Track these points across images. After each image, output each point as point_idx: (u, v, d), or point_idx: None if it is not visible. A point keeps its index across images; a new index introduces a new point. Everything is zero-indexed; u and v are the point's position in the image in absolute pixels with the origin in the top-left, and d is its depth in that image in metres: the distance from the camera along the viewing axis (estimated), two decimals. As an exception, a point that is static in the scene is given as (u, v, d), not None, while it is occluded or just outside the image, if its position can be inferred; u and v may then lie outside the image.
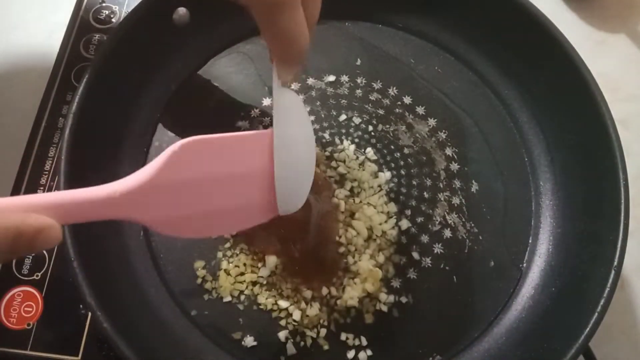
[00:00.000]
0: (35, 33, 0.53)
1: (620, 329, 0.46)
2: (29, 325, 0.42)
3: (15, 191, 0.46)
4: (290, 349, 0.40)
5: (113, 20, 0.53)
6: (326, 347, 0.41)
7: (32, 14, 0.54)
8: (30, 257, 0.44)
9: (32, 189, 0.46)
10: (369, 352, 0.41)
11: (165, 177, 0.30)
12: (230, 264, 0.42)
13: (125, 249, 0.41)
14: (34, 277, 0.43)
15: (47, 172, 0.47)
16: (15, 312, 0.42)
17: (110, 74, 0.41)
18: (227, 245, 0.43)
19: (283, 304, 0.41)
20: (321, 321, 0.41)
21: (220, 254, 0.42)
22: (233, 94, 0.48)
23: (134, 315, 0.39)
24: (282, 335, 0.41)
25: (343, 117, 0.48)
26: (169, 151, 0.31)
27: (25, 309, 0.42)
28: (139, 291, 0.40)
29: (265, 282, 0.42)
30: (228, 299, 0.41)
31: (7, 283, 0.43)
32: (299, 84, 0.48)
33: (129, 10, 0.43)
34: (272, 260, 0.42)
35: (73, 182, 0.37)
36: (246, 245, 0.42)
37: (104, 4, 0.53)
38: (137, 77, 0.45)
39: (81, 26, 0.52)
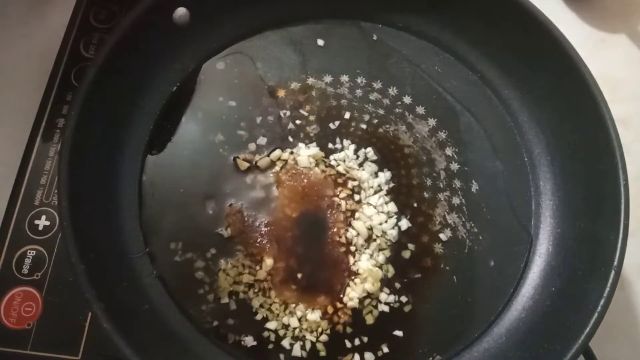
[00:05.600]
0: (35, 33, 0.53)
1: (620, 329, 0.46)
2: (29, 325, 0.42)
3: (15, 191, 0.46)
4: (291, 349, 0.40)
5: (113, 20, 0.53)
6: (326, 348, 0.41)
7: (32, 14, 0.54)
8: (30, 257, 0.44)
9: (32, 189, 0.46)
10: (370, 353, 0.41)
11: None
12: (229, 264, 0.42)
13: (126, 249, 0.41)
14: (34, 277, 0.43)
15: (47, 172, 0.47)
16: (15, 312, 0.42)
17: (110, 74, 0.41)
18: (226, 246, 0.43)
19: (271, 325, 0.41)
20: (321, 326, 0.41)
21: (219, 255, 0.42)
22: (233, 94, 0.48)
23: (134, 315, 0.39)
24: (282, 336, 0.41)
25: (343, 117, 0.48)
26: None
27: (25, 309, 0.42)
28: (139, 291, 0.41)
29: (257, 289, 0.41)
30: (227, 299, 0.41)
31: (7, 283, 0.43)
32: (299, 84, 0.48)
33: (129, 10, 0.43)
34: (268, 263, 0.42)
35: (73, 182, 0.37)
36: (243, 247, 0.42)
37: (104, 4, 0.53)
38: (137, 77, 0.45)
39: (81, 26, 0.52)
